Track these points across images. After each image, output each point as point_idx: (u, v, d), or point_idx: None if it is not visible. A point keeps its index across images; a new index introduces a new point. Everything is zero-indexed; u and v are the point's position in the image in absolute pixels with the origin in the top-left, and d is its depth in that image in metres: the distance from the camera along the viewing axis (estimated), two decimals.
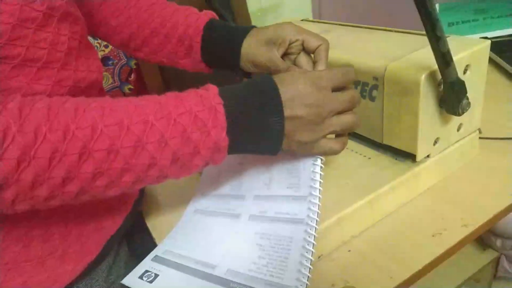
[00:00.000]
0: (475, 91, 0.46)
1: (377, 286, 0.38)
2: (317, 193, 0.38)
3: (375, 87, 0.46)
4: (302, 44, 0.45)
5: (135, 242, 0.51)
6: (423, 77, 0.40)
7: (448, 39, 0.37)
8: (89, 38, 0.46)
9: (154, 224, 0.50)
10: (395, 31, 0.54)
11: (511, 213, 0.45)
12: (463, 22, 0.92)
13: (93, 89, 0.42)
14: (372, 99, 0.47)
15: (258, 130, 0.36)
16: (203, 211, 0.47)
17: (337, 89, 0.38)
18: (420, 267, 0.39)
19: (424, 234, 0.42)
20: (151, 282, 0.40)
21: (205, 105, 0.34)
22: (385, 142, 0.48)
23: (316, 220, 0.37)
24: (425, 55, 0.43)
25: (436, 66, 0.39)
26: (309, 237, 0.36)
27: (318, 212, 0.37)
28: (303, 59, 0.45)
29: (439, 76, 0.41)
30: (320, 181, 0.39)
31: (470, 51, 0.43)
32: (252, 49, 0.46)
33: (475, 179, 0.49)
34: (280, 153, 0.39)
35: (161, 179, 0.35)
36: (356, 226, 0.43)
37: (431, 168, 0.47)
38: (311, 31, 0.46)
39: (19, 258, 0.37)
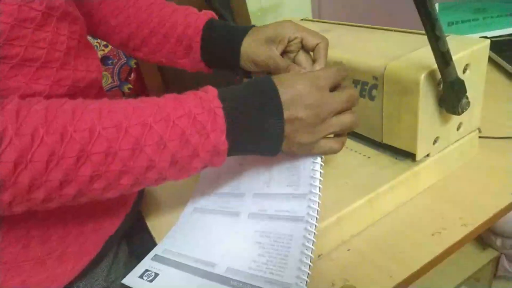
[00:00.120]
0: (475, 90, 0.46)
1: (376, 285, 0.38)
2: (317, 191, 0.38)
3: (374, 86, 0.46)
4: (301, 42, 0.45)
5: (135, 242, 0.51)
6: (422, 76, 0.40)
7: (447, 38, 0.37)
8: (89, 37, 0.46)
9: (154, 223, 0.50)
10: (395, 31, 0.54)
11: (510, 212, 0.46)
12: (462, 21, 0.92)
13: (93, 89, 0.42)
14: (372, 98, 0.47)
15: (258, 132, 0.36)
16: (202, 209, 0.47)
17: (334, 87, 0.38)
18: (419, 266, 0.39)
19: (423, 233, 0.42)
20: (151, 281, 0.40)
21: (204, 107, 0.34)
22: (385, 141, 0.48)
23: (316, 218, 0.37)
24: (425, 54, 0.43)
25: (435, 66, 0.39)
26: (309, 234, 0.37)
27: (318, 210, 0.37)
28: (302, 57, 0.45)
29: (439, 76, 0.41)
30: (320, 179, 0.39)
31: (469, 50, 0.43)
32: (252, 48, 0.46)
33: (474, 178, 0.49)
34: (280, 153, 0.39)
35: (160, 181, 0.35)
36: (355, 225, 0.43)
37: (431, 167, 0.47)
38: (310, 29, 0.46)
39: (18, 258, 0.37)
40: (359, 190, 0.43)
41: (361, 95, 0.48)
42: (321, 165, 0.40)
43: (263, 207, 0.42)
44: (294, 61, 0.46)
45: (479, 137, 0.52)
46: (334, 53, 0.50)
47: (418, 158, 0.45)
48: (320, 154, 0.40)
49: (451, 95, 0.41)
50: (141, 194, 0.51)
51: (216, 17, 0.52)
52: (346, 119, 0.38)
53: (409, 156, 0.47)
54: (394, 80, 0.43)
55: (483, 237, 0.97)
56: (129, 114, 0.32)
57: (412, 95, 0.42)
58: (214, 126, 0.33)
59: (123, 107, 0.33)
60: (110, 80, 1.18)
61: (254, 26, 0.48)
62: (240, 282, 0.37)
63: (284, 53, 0.46)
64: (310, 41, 0.44)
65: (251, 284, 0.36)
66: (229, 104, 0.34)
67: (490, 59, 0.76)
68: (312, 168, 0.40)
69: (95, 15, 0.52)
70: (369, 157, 0.49)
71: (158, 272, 0.41)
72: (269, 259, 0.37)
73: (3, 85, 0.32)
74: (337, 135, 0.40)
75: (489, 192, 0.46)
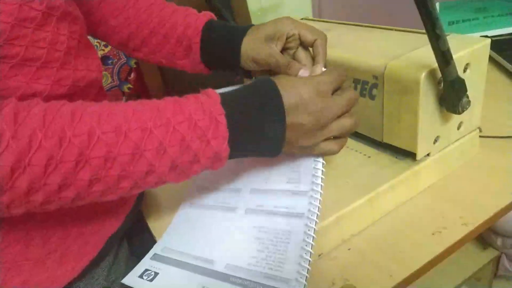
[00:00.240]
0: (475, 89, 0.46)
1: (377, 285, 0.38)
2: (319, 188, 0.39)
3: (375, 85, 0.46)
4: (300, 39, 0.45)
5: (135, 241, 0.51)
6: (423, 75, 0.40)
7: (448, 37, 0.37)
8: (89, 37, 0.46)
9: (154, 223, 0.50)
10: (395, 30, 0.54)
11: (511, 211, 0.45)
12: (463, 20, 0.92)
13: (93, 88, 0.42)
14: (372, 97, 0.47)
15: (260, 137, 0.36)
16: (198, 204, 0.47)
17: (335, 91, 0.38)
18: (420, 266, 0.39)
19: (424, 232, 0.42)
20: (151, 280, 0.40)
21: (205, 113, 0.33)
22: (385, 140, 0.48)
23: (317, 214, 0.37)
24: (425, 53, 0.43)
25: (436, 65, 0.39)
26: (309, 230, 0.37)
27: (319, 207, 0.38)
28: (301, 54, 0.46)
29: (439, 75, 0.41)
30: (322, 177, 0.39)
31: (470, 49, 0.43)
32: (252, 47, 0.46)
33: (475, 177, 0.49)
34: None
35: (159, 184, 0.35)
36: (356, 224, 0.43)
37: (431, 167, 0.47)
38: (309, 24, 0.46)
39: (19, 257, 0.37)
40: (359, 189, 0.43)
41: (362, 94, 0.48)
42: (323, 163, 0.40)
43: (261, 203, 0.42)
44: (293, 57, 0.46)
45: (480, 136, 0.52)
46: (335, 53, 0.50)
47: (418, 157, 0.45)
48: (319, 155, 0.40)
49: (451, 94, 0.41)
50: (142, 194, 0.51)
51: (216, 18, 0.52)
52: (346, 122, 0.38)
53: (410, 155, 0.47)
54: (395, 79, 0.43)
55: (484, 236, 0.97)
56: (128, 118, 0.32)
57: (413, 94, 0.42)
58: (216, 133, 0.33)
59: (122, 110, 0.32)
60: (110, 80, 1.18)
61: (253, 25, 0.48)
62: (239, 278, 0.37)
63: (283, 50, 0.46)
64: (308, 37, 0.44)
65: (250, 280, 0.36)
66: (231, 111, 0.34)
67: (491, 58, 0.76)
68: (314, 166, 0.40)
69: (95, 15, 0.52)
70: (369, 157, 0.49)
71: (157, 271, 0.41)
72: (268, 255, 0.37)
73: (3, 84, 0.32)
74: (337, 137, 0.40)
75: (489, 192, 0.46)
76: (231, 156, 0.36)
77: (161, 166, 0.33)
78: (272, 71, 0.46)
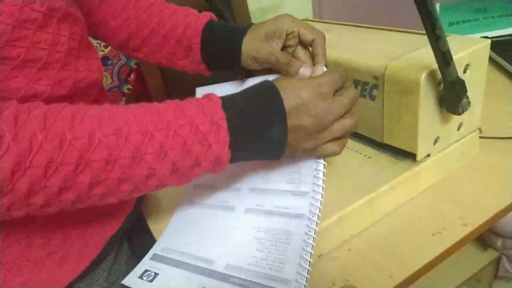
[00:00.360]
0: (475, 90, 0.46)
1: (377, 285, 0.38)
2: (320, 190, 0.39)
3: (375, 86, 0.46)
4: (299, 37, 0.45)
5: (136, 242, 0.51)
6: (423, 76, 0.40)
7: (448, 38, 0.37)
8: (89, 38, 0.46)
9: (154, 224, 0.50)
10: (395, 31, 0.54)
11: (511, 212, 0.45)
12: (463, 21, 0.92)
13: (94, 89, 0.42)
14: (372, 98, 0.47)
15: (262, 141, 0.36)
16: (197, 203, 0.47)
17: (336, 91, 0.38)
18: (420, 267, 0.39)
19: (424, 233, 0.42)
20: (151, 281, 0.40)
21: (206, 117, 0.33)
22: (385, 141, 0.48)
23: (318, 215, 0.37)
24: (425, 54, 0.43)
25: (436, 65, 0.39)
26: (309, 231, 0.37)
27: (320, 208, 0.38)
28: (301, 52, 0.45)
29: (439, 75, 0.41)
30: (323, 179, 0.39)
31: (470, 50, 0.43)
32: (252, 45, 0.46)
33: (475, 178, 0.49)
34: None
35: (160, 187, 0.35)
36: (356, 225, 0.43)
37: (431, 168, 0.47)
38: (308, 23, 0.46)
39: (19, 258, 0.37)
40: (359, 190, 0.43)
41: (362, 95, 0.48)
42: (324, 164, 0.40)
43: (261, 202, 0.42)
44: (293, 55, 0.46)
45: (480, 137, 0.52)
46: (335, 53, 0.50)
47: (418, 158, 0.45)
48: (321, 156, 0.40)
49: (451, 95, 0.41)
50: (142, 195, 0.51)
51: (216, 18, 0.52)
52: (347, 123, 0.38)
53: (410, 156, 0.47)
54: (395, 80, 0.43)
55: (484, 237, 0.97)
56: (129, 121, 0.32)
57: (413, 95, 0.42)
58: (217, 137, 0.33)
59: (123, 114, 0.32)
60: (110, 80, 1.18)
61: (253, 24, 0.48)
62: (240, 278, 0.37)
63: (283, 47, 0.46)
64: (308, 36, 0.44)
65: (250, 281, 0.36)
66: (232, 114, 0.34)
67: (491, 59, 0.76)
68: (316, 167, 0.40)
69: (95, 17, 0.52)
70: (369, 157, 0.49)
71: (157, 272, 0.41)
72: (268, 255, 0.37)
73: (4, 86, 0.32)
74: (337, 137, 0.40)
75: (489, 192, 0.46)
76: (232, 160, 0.36)
77: (162, 169, 0.33)
78: (273, 70, 0.46)
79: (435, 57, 0.38)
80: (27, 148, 0.28)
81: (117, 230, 0.44)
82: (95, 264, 0.41)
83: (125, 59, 1.19)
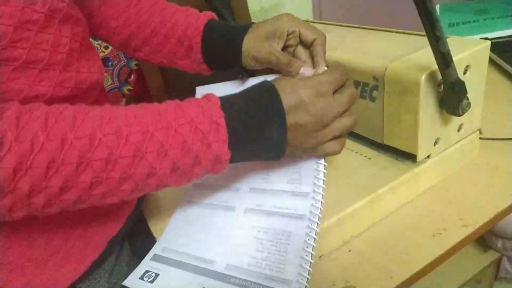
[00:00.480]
0: (475, 91, 0.47)
1: (377, 286, 0.38)
2: (320, 190, 0.39)
3: (375, 87, 0.46)
4: (299, 37, 0.45)
5: (137, 243, 0.51)
6: (423, 77, 0.40)
7: (448, 39, 0.37)
8: (90, 39, 0.46)
9: (155, 224, 0.50)
10: (395, 32, 0.55)
11: (511, 213, 0.45)
12: (463, 22, 0.92)
13: (95, 90, 0.42)
14: (373, 99, 0.47)
15: (261, 141, 0.36)
16: (197, 202, 0.47)
17: (336, 90, 0.38)
18: (420, 267, 0.39)
19: (424, 234, 0.42)
20: (151, 282, 0.40)
21: (206, 117, 0.34)
22: (386, 142, 0.48)
23: (319, 216, 0.37)
24: (425, 55, 0.43)
25: (436, 67, 0.39)
26: (310, 232, 0.37)
27: (320, 209, 0.38)
28: (301, 51, 0.45)
29: (439, 77, 0.41)
30: (324, 179, 0.39)
31: (470, 51, 0.43)
32: (253, 45, 0.46)
33: (475, 179, 0.49)
34: None
35: (160, 187, 0.35)
36: (356, 226, 0.43)
37: (431, 169, 0.47)
38: (308, 23, 0.46)
39: (22, 258, 0.37)
40: (360, 191, 0.43)
41: (362, 96, 0.48)
42: (324, 165, 0.40)
43: (261, 203, 0.42)
44: (293, 55, 0.46)
45: (480, 138, 0.52)
46: (335, 54, 0.50)
47: (418, 159, 0.45)
48: (322, 155, 0.40)
49: (451, 96, 0.41)
50: (142, 195, 0.51)
51: (217, 17, 0.52)
52: (347, 122, 0.38)
53: (410, 157, 0.47)
54: (395, 81, 0.43)
55: (484, 238, 0.97)
56: (130, 121, 0.32)
57: (413, 96, 0.42)
58: (216, 136, 0.33)
59: (123, 114, 0.33)
60: (110, 81, 1.18)
61: (253, 23, 0.48)
62: (240, 279, 0.37)
63: (284, 47, 0.46)
64: (308, 36, 0.44)
65: (251, 281, 0.36)
66: (231, 113, 0.34)
67: (491, 60, 0.76)
68: (316, 168, 0.40)
69: (96, 17, 0.52)
70: (369, 158, 0.49)
71: (158, 273, 0.41)
72: (268, 255, 0.38)
73: (6, 87, 0.32)
74: (337, 136, 0.40)
75: (489, 193, 0.46)
76: (233, 160, 0.36)
77: (162, 168, 0.33)
78: (274, 70, 0.46)
79: (435, 58, 0.38)
80: (29, 148, 0.28)
81: (118, 231, 0.44)
82: (97, 264, 0.41)
83: (126, 60, 1.19)
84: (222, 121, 0.34)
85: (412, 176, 0.46)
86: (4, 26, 0.31)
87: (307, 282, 0.34)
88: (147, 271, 0.42)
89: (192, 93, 0.49)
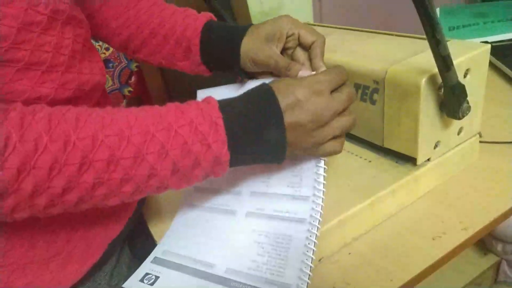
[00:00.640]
0: (476, 95, 0.47)
1: None
2: (321, 194, 0.39)
3: (375, 90, 0.46)
4: (298, 39, 0.45)
5: (137, 245, 0.51)
6: (423, 80, 0.40)
7: (448, 43, 0.37)
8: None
9: (155, 226, 0.50)
10: (396, 35, 0.55)
11: (511, 217, 0.46)
12: (463, 26, 0.92)
13: (97, 92, 0.42)
14: (373, 102, 0.47)
15: (261, 143, 0.36)
16: (198, 206, 0.47)
17: (334, 90, 0.38)
18: (420, 270, 0.39)
19: (424, 237, 0.42)
20: (152, 284, 0.40)
21: (205, 118, 0.34)
22: (386, 145, 0.48)
23: (319, 220, 0.37)
24: (426, 59, 0.43)
25: (436, 70, 0.40)
26: (310, 236, 0.37)
27: (321, 213, 0.38)
28: (300, 54, 0.45)
29: (440, 80, 0.41)
30: (323, 183, 0.39)
31: (470, 55, 0.43)
32: (251, 47, 0.45)
33: (475, 182, 0.49)
34: None
35: (161, 189, 0.35)
36: (356, 228, 0.43)
37: (432, 172, 0.47)
38: (307, 25, 0.46)
39: (24, 259, 0.37)
40: (360, 193, 0.44)
41: (362, 99, 0.48)
42: (324, 168, 0.40)
43: (261, 206, 0.42)
44: (292, 57, 0.46)
45: (480, 141, 0.52)
46: (335, 57, 0.50)
47: (418, 162, 0.46)
48: (323, 155, 0.40)
49: (452, 100, 0.41)
50: (143, 197, 0.51)
51: (215, 18, 0.52)
52: (346, 121, 0.38)
53: (410, 160, 0.47)
54: (395, 84, 0.43)
55: (484, 242, 0.97)
56: (131, 123, 0.32)
57: (413, 99, 0.42)
58: (216, 137, 0.34)
59: (125, 116, 0.33)
60: (111, 83, 1.19)
61: (252, 24, 0.48)
62: (240, 283, 0.37)
63: (282, 49, 0.46)
64: (308, 38, 0.44)
65: (251, 285, 0.36)
66: (230, 116, 0.34)
67: (491, 64, 0.76)
68: (316, 171, 0.40)
69: (96, 18, 0.52)
70: (370, 161, 0.49)
71: (158, 275, 0.41)
72: (269, 259, 0.38)
73: (9, 88, 0.32)
74: (336, 136, 0.40)
75: (489, 197, 0.46)
76: (233, 163, 0.36)
77: (163, 169, 0.33)
78: (272, 72, 0.46)
79: (435, 62, 0.38)
80: (33, 149, 0.28)
81: (119, 233, 0.44)
82: (98, 266, 0.41)
83: (126, 62, 1.19)
84: (221, 121, 0.34)
85: (412, 179, 0.46)
86: (7, 28, 0.31)
87: (307, 286, 0.34)
88: (147, 274, 0.42)
89: (192, 94, 0.49)
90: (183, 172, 0.34)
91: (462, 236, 0.41)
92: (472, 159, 0.52)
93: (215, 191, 0.46)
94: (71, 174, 0.30)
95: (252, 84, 0.41)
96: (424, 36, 0.37)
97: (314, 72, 0.44)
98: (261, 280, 0.36)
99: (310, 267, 0.35)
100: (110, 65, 1.17)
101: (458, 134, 0.48)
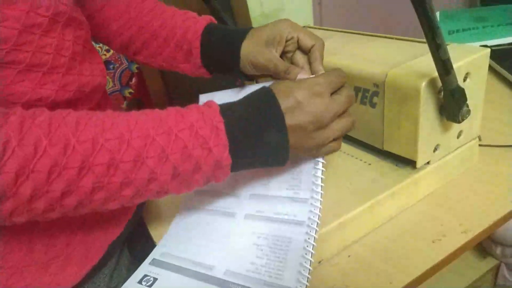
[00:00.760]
0: (475, 98, 0.47)
1: None
2: (319, 196, 0.39)
3: (375, 93, 0.47)
4: (298, 43, 0.45)
5: (136, 247, 0.51)
6: (423, 84, 0.41)
7: (448, 47, 0.37)
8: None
9: (155, 229, 0.50)
10: (396, 39, 0.55)
11: (511, 220, 0.46)
12: (463, 30, 0.92)
13: (97, 93, 0.42)
14: (373, 105, 0.47)
15: (260, 146, 0.36)
16: (197, 208, 0.47)
17: (334, 92, 0.38)
18: (419, 273, 0.39)
19: (424, 240, 0.42)
20: (150, 286, 0.40)
21: (206, 122, 0.34)
22: (386, 148, 0.49)
23: (317, 223, 0.37)
24: (426, 62, 0.43)
25: (436, 74, 0.40)
26: (309, 238, 0.37)
27: (319, 215, 0.38)
28: (299, 57, 0.45)
29: (439, 84, 0.41)
30: (321, 185, 0.39)
31: (470, 59, 0.44)
32: (251, 50, 0.45)
33: (474, 186, 0.49)
34: None
35: (161, 194, 0.35)
36: (356, 231, 0.43)
37: (431, 175, 0.48)
38: (307, 29, 0.46)
39: (23, 262, 0.37)
40: (360, 196, 0.44)
41: (362, 102, 0.48)
42: (322, 171, 0.40)
43: (260, 209, 0.42)
44: (291, 61, 0.46)
45: (479, 145, 0.52)
46: (336, 60, 0.50)
47: (418, 165, 0.46)
48: (324, 154, 0.40)
49: (451, 103, 0.42)
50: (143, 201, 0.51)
51: (215, 21, 0.52)
52: (346, 123, 0.38)
53: (410, 163, 0.47)
54: (395, 87, 0.44)
55: (483, 245, 0.97)
56: (131, 126, 0.32)
57: (413, 102, 0.42)
58: (217, 141, 0.34)
59: (125, 119, 0.33)
60: (111, 84, 1.19)
61: (252, 28, 0.48)
62: (239, 285, 0.37)
63: (282, 53, 0.46)
64: (307, 42, 0.44)
65: (250, 287, 0.36)
66: (231, 120, 0.34)
67: (490, 68, 0.76)
68: (314, 173, 0.40)
69: (97, 19, 0.52)
70: (369, 164, 0.49)
71: (156, 277, 0.41)
72: (268, 262, 0.37)
73: (10, 90, 0.32)
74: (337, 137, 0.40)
75: (489, 200, 0.46)
76: (236, 167, 0.36)
77: (163, 174, 0.33)
78: (271, 76, 0.46)
79: (435, 65, 0.38)
80: (32, 152, 0.28)
81: (118, 235, 0.44)
82: (97, 268, 0.41)
83: (127, 64, 1.19)
84: (222, 125, 0.34)
85: (412, 182, 0.46)
86: (9, 30, 0.31)
87: None
88: (145, 275, 0.42)
89: (193, 97, 0.49)
90: (183, 176, 0.34)
91: (461, 239, 0.42)
92: (471, 163, 0.52)
93: (215, 193, 0.46)
94: (71, 177, 0.29)
95: (252, 89, 0.41)
96: (424, 40, 0.37)
97: (313, 75, 0.44)
98: (260, 282, 0.36)
99: (309, 269, 0.35)
100: (111, 66, 1.17)
101: (458, 137, 0.48)
